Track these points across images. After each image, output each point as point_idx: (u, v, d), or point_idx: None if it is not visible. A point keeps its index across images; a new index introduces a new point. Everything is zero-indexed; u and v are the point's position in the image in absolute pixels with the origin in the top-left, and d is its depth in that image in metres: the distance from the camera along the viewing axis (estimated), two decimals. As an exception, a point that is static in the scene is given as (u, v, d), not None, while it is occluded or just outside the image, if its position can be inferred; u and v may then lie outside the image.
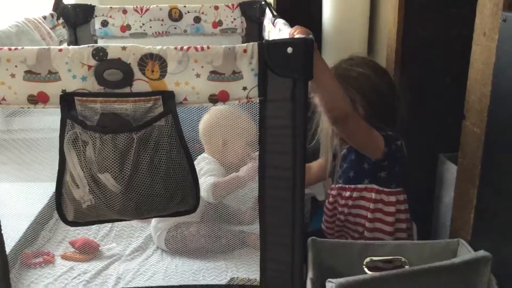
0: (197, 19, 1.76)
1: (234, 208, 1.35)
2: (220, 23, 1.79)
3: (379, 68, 1.24)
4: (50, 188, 1.41)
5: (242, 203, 1.36)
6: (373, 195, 1.17)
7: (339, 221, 1.22)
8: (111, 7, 1.73)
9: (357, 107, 1.18)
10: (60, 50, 0.83)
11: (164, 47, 0.84)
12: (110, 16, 1.73)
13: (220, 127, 1.20)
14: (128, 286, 1.10)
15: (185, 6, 1.75)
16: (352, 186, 1.19)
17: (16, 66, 0.83)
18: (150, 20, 1.74)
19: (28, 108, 0.87)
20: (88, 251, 1.21)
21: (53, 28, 1.52)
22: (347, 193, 1.20)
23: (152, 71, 0.85)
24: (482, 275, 0.98)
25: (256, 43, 0.86)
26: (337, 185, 1.23)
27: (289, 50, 0.86)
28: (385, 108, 1.20)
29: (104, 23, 1.73)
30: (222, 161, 1.25)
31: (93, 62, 0.83)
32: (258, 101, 0.90)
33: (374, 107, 1.19)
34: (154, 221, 1.27)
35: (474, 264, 0.98)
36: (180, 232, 1.23)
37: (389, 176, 1.18)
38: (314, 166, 1.40)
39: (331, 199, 1.23)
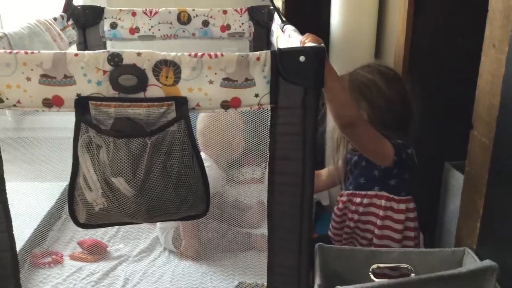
0: (205, 23, 1.78)
1: (240, 210, 1.36)
2: (228, 27, 1.80)
3: (391, 75, 1.24)
4: (58, 187, 1.43)
5: (247, 207, 1.37)
6: (383, 202, 1.18)
7: (348, 228, 1.23)
8: (120, 9, 1.74)
9: (363, 113, 1.19)
10: (76, 54, 0.84)
11: (179, 54, 0.85)
12: (119, 18, 1.74)
13: (215, 127, 1.22)
14: (136, 288, 1.11)
15: (194, 10, 1.76)
16: (363, 192, 1.20)
17: (32, 70, 0.84)
18: (159, 23, 1.75)
19: (43, 111, 0.88)
20: (96, 252, 1.22)
21: (63, 29, 1.54)
22: (358, 199, 1.21)
23: (166, 77, 0.86)
24: (488, 284, 0.99)
25: (269, 51, 0.87)
26: (347, 192, 1.24)
27: (302, 58, 0.87)
28: (393, 116, 1.21)
29: (113, 25, 1.75)
30: (218, 161, 1.27)
31: (108, 67, 0.84)
32: (269, 108, 0.91)
33: (381, 114, 1.19)
34: (159, 222, 1.28)
35: (480, 274, 0.98)
36: None
37: (399, 184, 1.19)
38: (323, 173, 1.41)
39: (340, 205, 1.24)
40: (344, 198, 1.23)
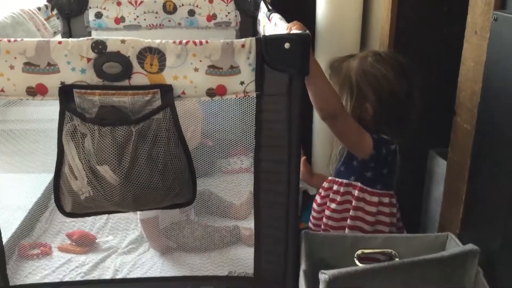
0: (191, 12, 1.77)
1: (227, 201, 1.37)
2: (214, 16, 1.80)
3: (404, 71, 1.19)
4: (44, 178, 1.42)
5: (235, 197, 1.37)
6: (356, 193, 1.18)
7: (326, 217, 1.23)
8: (105, -1, 1.73)
9: (367, 106, 1.17)
10: (60, 42, 0.84)
11: (163, 41, 0.85)
12: (104, 8, 1.73)
13: None
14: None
15: (179, -1, 1.76)
16: (340, 180, 1.21)
17: (15, 58, 0.84)
18: (144, 13, 1.74)
19: (27, 99, 0.87)
20: (85, 244, 1.22)
21: (47, 19, 1.52)
22: (336, 187, 1.21)
23: (151, 65, 0.86)
24: (470, 267, 1.01)
25: (254, 38, 0.88)
26: (329, 178, 1.25)
27: (287, 45, 0.88)
28: (396, 112, 1.18)
29: (98, 15, 1.73)
30: None
31: (92, 55, 0.84)
32: (254, 96, 0.92)
33: (385, 109, 1.17)
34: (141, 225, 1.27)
35: (462, 257, 1.00)
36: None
37: (375, 177, 1.19)
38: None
39: (323, 193, 1.24)
40: (326, 185, 1.24)
